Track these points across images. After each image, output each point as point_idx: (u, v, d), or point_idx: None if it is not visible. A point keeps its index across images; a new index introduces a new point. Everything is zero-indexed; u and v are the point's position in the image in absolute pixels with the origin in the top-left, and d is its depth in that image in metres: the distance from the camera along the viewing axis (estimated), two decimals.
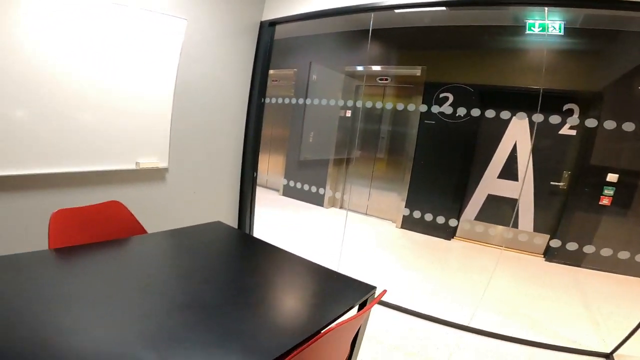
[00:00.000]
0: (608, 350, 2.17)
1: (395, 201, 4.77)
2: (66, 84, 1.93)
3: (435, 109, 3.02)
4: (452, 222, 2.49)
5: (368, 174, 5.11)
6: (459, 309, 2.57)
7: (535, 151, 3.75)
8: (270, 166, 6.04)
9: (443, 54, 4.21)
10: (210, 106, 2.76)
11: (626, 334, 2.09)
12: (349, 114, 5.14)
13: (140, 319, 0.96)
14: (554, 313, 2.74)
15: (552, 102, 2.51)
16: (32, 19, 1.75)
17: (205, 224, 1.83)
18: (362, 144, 5.11)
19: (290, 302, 1.22)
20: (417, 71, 4.38)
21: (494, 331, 2.30)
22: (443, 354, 2.07)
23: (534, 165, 3.84)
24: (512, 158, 3.96)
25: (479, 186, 4.17)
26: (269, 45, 3.01)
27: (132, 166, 2.32)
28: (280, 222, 4.52)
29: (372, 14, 2.57)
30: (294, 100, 3.45)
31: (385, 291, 1.12)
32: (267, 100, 3.13)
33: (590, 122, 2.04)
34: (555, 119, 2.13)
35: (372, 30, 2.70)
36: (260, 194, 3.43)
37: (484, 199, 4.17)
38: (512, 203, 3.93)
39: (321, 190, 4.04)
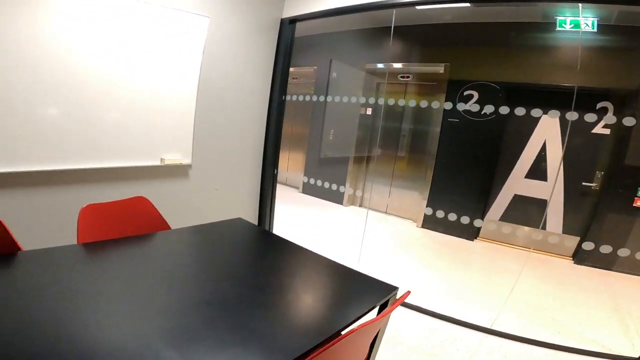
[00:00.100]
0: (637, 355, 2.07)
1: (417, 200, 4.69)
2: (95, 83, 1.99)
3: (460, 106, 2.94)
4: (477, 223, 2.42)
5: (388, 172, 5.05)
6: (481, 311, 2.50)
7: (567, 150, 3.60)
8: (290, 164, 6.06)
9: (467, 51, 4.11)
10: (232, 104, 2.78)
11: None
12: (369, 111, 5.09)
13: (162, 316, 0.97)
14: (583, 316, 2.64)
15: (586, 100, 2.40)
16: (61, 19, 1.81)
17: (226, 220, 1.85)
18: (383, 142, 5.05)
19: (309, 301, 1.21)
20: (440, 68, 4.29)
21: (517, 334, 2.23)
22: (463, 356, 2.02)
23: (564, 164, 3.68)
24: (541, 157, 3.81)
25: (504, 186, 4.04)
26: (290, 42, 3.00)
27: (157, 162, 2.38)
28: (300, 219, 4.53)
29: (394, 11, 2.52)
30: (314, 98, 3.44)
31: (408, 292, 1.09)
32: (288, 97, 3.13)
33: (628, 121, 1.94)
34: (590, 117, 2.03)
35: (394, 27, 2.65)
36: (280, 192, 3.44)
37: (510, 199, 4.03)
38: (540, 204, 3.79)
39: (341, 188, 4.04)
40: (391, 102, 3.95)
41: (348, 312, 1.11)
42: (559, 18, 3.26)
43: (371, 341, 1.22)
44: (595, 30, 3.17)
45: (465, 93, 3.96)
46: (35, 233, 1.93)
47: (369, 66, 4.95)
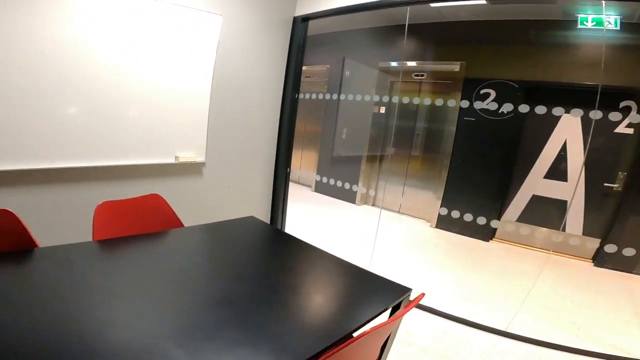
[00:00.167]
0: None
1: (431, 200, 4.63)
2: (113, 83, 2.02)
3: (477, 104, 2.88)
4: (494, 224, 2.37)
5: (402, 171, 4.99)
6: (496, 313, 2.45)
7: (589, 150, 3.49)
8: (302, 162, 6.05)
9: (484, 49, 4.02)
10: (245, 102, 2.79)
11: None
12: (383, 110, 5.04)
13: (172, 314, 0.97)
14: (602, 320, 2.57)
15: (609, 98, 2.32)
16: (80, 20, 1.84)
17: (238, 219, 1.85)
18: (397, 141, 5.00)
19: (321, 302, 1.20)
20: (455, 67, 4.21)
21: (534, 337, 2.18)
22: (476, 358, 1.98)
23: (586, 165, 3.57)
24: (561, 157, 3.71)
25: (522, 186, 3.94)
26: (302, 40, 2.99)
27: (172, 160, 2.40)
28: (312, 218, 4.53)
29: (408, 8, 2.49)
30: (327, 96, 3.42)
31: (423, 294, 1.07)
32: (301, 96, 3.12)
33: None
34: (614, 116, 1.96)
35: (408, 25, 2.61)
36: (293, 190, 3.44)
37: (528, 199, 3.93)
38: (560, 204, 3.68)
39: (354, 187, 4.01)
40: (405, 100, 3.91)
41: (360, 314, 1.09)
42: (580, 16, 3.17)
43: (382, 343, 1.20)
44: (618, 28, 3.07)
45: (482, 91, 3.88)
46: (51, 230, 1.96)
47: (382, 64, 4.90)
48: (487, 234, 4.11)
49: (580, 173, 3.59)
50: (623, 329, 2.43)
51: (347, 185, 3.13)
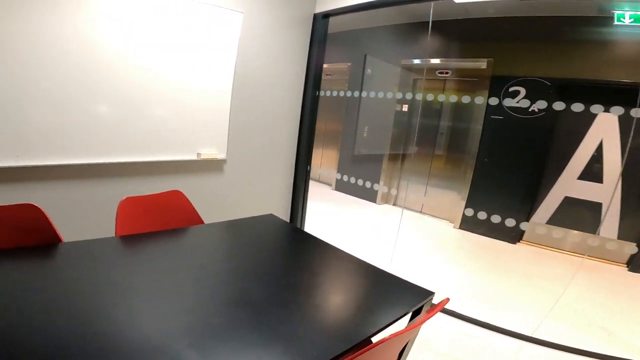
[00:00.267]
0: None
1: (454, 200, 4.50)
2: (137, 81, 2.06)
3: (507, 102, 2.76)
4: (524, 226, 2.26)
5: (425, 171, 4.88)
6: (522, 318, 2.36)
7: (627, 150, 3.29)
8: (323, 160, 6.03)
9: (512, 45, 3.88)
10: (266, 99, 2.79)
11: None
12: (405, 108, 4.96)
13: (188, 313, 0.96)
14: (636, 326, 2.43)
15: None
16: (106, 21, 1.88)
17: (258, 216, 1.85)
18: (420, 140, 4.90)
19: (339, 304, 1.17)
20: (482, 64, 4.08)
21: (562, 343, 2.08)
22: None
23: (624, 166, 3.37)
24: (596, 157, 3.52)
25: (554, 187, 3.77)
26: (323, 37, 2.96)
27: (194, 157, 2.43)
28: (332, 217, 4.50)
29: (432, 4, 2.41)
30: (349, 93, 3.37)
31: (447, 299, 1.02)
32: (322, 93, 3.09)
33: None
34: None
35: (432, 22, 2.54)
36: (313, 188, 3.42)
37: (559, 201, 3.76)
38: (594, 207, 3.50)
39: (375, 186, 3.96)
40: (428, 98, 3.81)
41: (379, 318, 1.05)
42: (617, 12, 3.01)
43: (401, 349, 1.16)
44: None
45: (511, 89, 3.74)
46: (76, 225, 2.02)
47: (405, 62, 4.80)
48: (514, 236, 3.96)
49: (620, 175, 3.40)
50: None
51: (368, 184, 3.08)
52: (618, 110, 2.10)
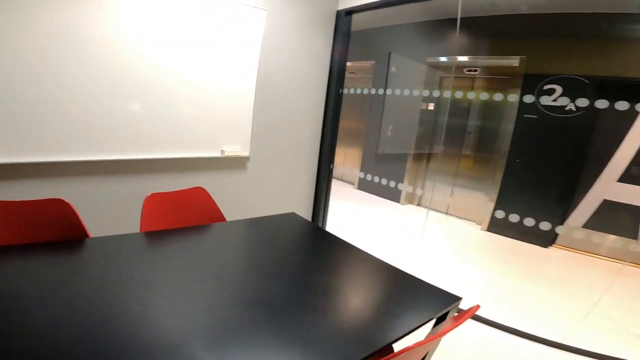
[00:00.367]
0: None
1: (482, 201, 4.35)
2: (164, 80, 2.10)
3: (544, 100, 2.63)
4: (560, 230, 2.14)
5: (451, 171, 4.75)
6: (552, 324, 2.26)
7: None
8: (346, 159, 5.99)
9: (547, 42, 3.72)
10: (289, 97, 2.78)
11: None
12: (431, 107, 4.84)
13: (206, 313, 0.96)
14: None
15: None
16: (134, 23, 1.92)
17: (280, 214, 1.84)
18: (446, 139, 4.77)
19: (360, 307, 1.13)
20: (514, 61, 3.93)
21: (595, 350, 1.98)
22: None
23: None
24: (639, 159, 3.29)
25: (591, 190, 3.56)
26: (346, 34, 2.92)
27: (218, 154, 2.45)
28: (354, 216, 4.45)
29: (460, 0, 2.33)
30: (373, 91, 3.32)
31: (477, 306, 0.96)
32: (345, 90, 3.05)
33: None
34: None
35: (459, 19, 2.45)
36: (335, 187, 3.39)
37: (597, 204, 3.55)
38: (635, 211, 3.28)
39: (399, 186, 3.88)
40: (456, 97, 3.70)
41: (402, 323, 1.01)
42: None
43: (423, 355, 1.11)
44: None
45: (546, 87, 3.57)
46: (104, 220, 2.08)
47: (431, 59, 4.70)
48: (546, 239, 3.79)
49: None
50: None
51: (392, 184, 3.02)
52: None
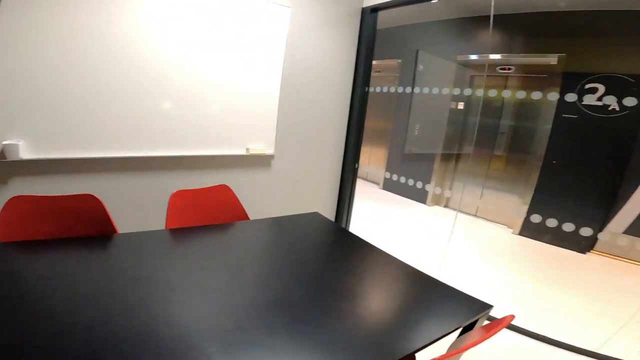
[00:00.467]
0: None
1: (515, 204, 4.16)
2: (191, 79, 2.14)
3: (587, 99, 2.48)
4: (601, 235, 2.01)
5: (482, 172, 4.58)
6: (587, 332, 2.16)
7: None
8: (371, 158, 5.91)
9: (587, 40, 3.54)
10: (314, 95, 2.76)
11: None
12: (461, 106, 4.69)
13: (225, 314, 0.95)
14: None
15: None
16: (164, 25, 1.97)
17: (303, 214, 1.82)
18: (477, 139, 4.60)
19: (382, 312, 1.09)
20: (552, 59, 3.76)
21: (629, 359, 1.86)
22: None
23: None
24: None
25: (635, 194, 3.33)
26: (372, 32, 2.87)
27: (243, 152, 2.47)
28: (379, 217, 4.38)
29: None
30: (400, 89, 3.24)
31: (512, 317, 0.90)
32: (371, 89, 3.00)
33: None
34: None
35: (486, 16, 2.35)
36: (360, 187, 3.35)
37: None
38: None
39: (426, 187, 3.79)
40: (488, 96, 3.58)
41: (427, 331, 0.97)
42: None
43: None
44: None
45: (587, 86, 3.37)
46: (132, 215, 2.14)
47: (461, 58, 4.55)
48: (584, 245, 3.58)
49: None
50: None
51: (418, 185, 2.94)
52: None
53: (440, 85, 4.73)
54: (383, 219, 4.34)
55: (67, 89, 1.77)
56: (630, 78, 3.19)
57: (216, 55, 2.19)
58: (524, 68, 4.17)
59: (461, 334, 1.08)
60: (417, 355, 0.92)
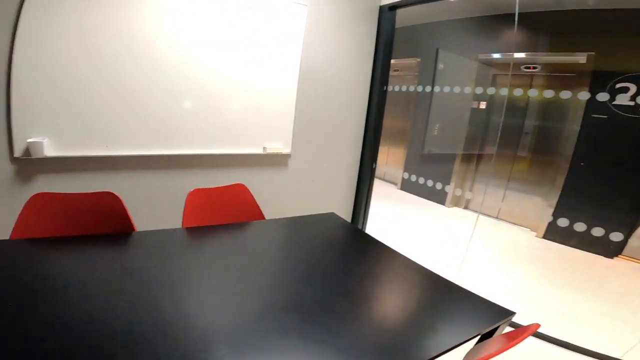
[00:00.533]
0: None
1: (540, 207, 4.02)
2: (210, 78, 2.16)
3: (620, 98, 2.37)
4: (633, 241, 1.91)
5: (504, 173, 4.44)
6: (611, 339, 2.08)
7: None
8: (389, 158, 5.84)
9: (618, 39, 3.39)
10: (331, 94, 2.74)
11: None
12: (483, 105, 4.56)
13: (236, 317, 0.94)
14: None
15: None
16: (183, 23, 1.99)
17: (319, 214, 1.80)
18: (499, 140, 4.47)
19: (398, 318, 1.06)
20: (581, 58, 3.63)
21: None
22: None
23: None
24: None
25: None
26: (390, 30, 2.82)
27: (260, 151, 2.48)
28: (396, 218, 4.32)
29: None
30: (419, 88, 3.18)
31: (537, 325, 0.86)
32: (390, 88, 2.95)
33: None
34: None
35: (511, 14, 2.29)
36: (377, 187, 3.30)
37: None
38: None
39: (446, 188, 3.70)
40: (513, 95, 3.47)
41: (444, 338, 0.93)
42: None
43: None
44: None
45: (618, 86, 3.22)
46: (150, 213, 2.17)
47: (483, 56, 4.44)
48: (612, 250, 3.42)
49: None
50: None
51: (438, 186, 2.88)
52: None
53: (461, 84, 4.61)
54: (400, 220, 4.28)
55: (90, 88, 1.82)
56: None
57: (234, 54, 2.20)
58: (550, 67, 4.05)
59: (479, 341, 1.04)
60: None
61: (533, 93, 3.10)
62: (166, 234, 1.36)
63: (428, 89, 3.37)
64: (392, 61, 2.96)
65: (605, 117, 3.37)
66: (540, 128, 4.20)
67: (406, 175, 4.55)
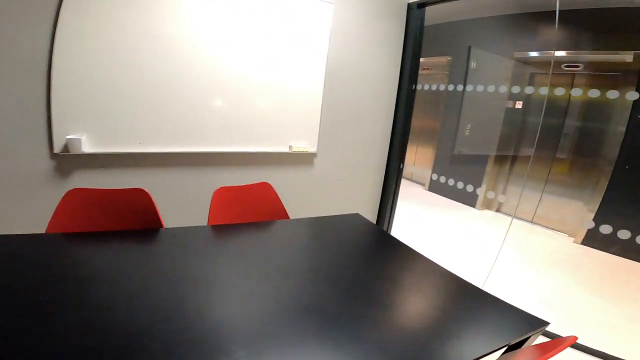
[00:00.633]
0: None
1: (579, 211, 3.80)
2: (238, 78, 2.19)
3: None
4: None
5: (541, 176, 4.23)
6: None
7: None
8: (417, 158, 5.72)
9: None
10: (358, 93, 2.71)
11: None
12: (519, 105, 4.36)
13: (256, 317, 0.93)
14: None
15: None
16: (214, 35, 2.04)
17: (343, 215, 1.78)
18: (537, 141, 4.27)
19: (422, 325, 1.02)
20: (627, 57, 3.44)
21: None
22: None
23: None
24: None
25: None
26: (419, 28, 2.75)
27: (286, 149, 2.49)
28: (423, 220, 4.21)
29: None
30: (450, 87, 3.09)
31: (575, 338, 0.80)
32: (419, 87, 2.88)
33: None
34: None
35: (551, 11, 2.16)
36: (404, 187, 3.24)
37: None
38: None
39: (477, 190, 3.57)
40: (553, 94, 3.30)
41: (469, 346, 0.89)
42: None
43: None
44: None
45: None
46: (178, 210, 2.22)
47: (519, 55, 4.25)
48: None
49: None
50: None
51: (469, 188, 2.78)
52: None
53: (496, 83, 4.45)
54: (428, 223, 4.17)
55: (125, 87, 1.89)
56: None
57: (261, 53, 2.22)
58: (594, 65, 3.83)
59: (508, 350, 0.99)
60: None
61: (576, 92, 2.91)
62: (192, 231, 1.39)
63: (459, 87, 3.26)
64: (422, 59, 2.89)
65: None
66: (581, 129, 3.97)
67: (435, 176, 4.44)
